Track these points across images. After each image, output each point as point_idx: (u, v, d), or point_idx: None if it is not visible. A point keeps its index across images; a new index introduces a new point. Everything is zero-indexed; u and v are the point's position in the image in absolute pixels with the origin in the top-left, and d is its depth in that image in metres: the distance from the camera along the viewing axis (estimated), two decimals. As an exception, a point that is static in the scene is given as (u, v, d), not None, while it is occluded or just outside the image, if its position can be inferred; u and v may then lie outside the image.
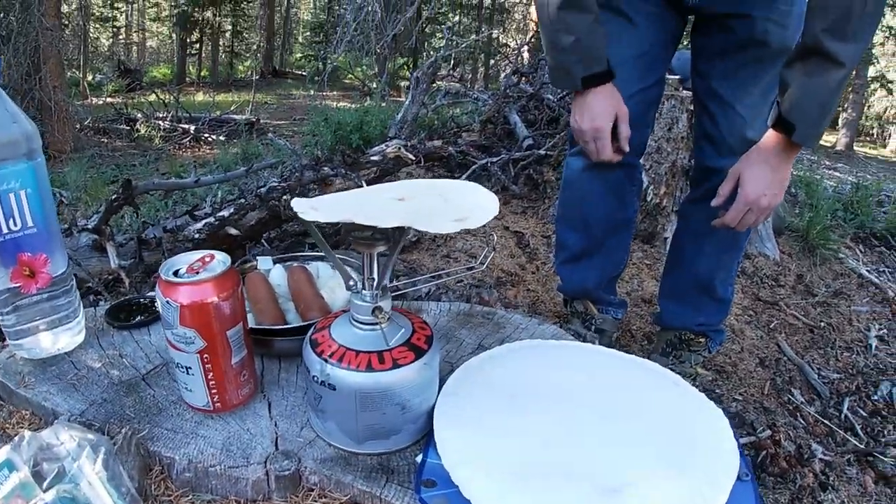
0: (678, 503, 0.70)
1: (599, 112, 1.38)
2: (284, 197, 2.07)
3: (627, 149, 1.44)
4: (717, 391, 1.88)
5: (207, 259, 0.84)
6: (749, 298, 2.52)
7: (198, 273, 0.81)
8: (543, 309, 2.13)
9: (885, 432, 1.86)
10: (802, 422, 1.83)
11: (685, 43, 1.67)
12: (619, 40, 1.44)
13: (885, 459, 1.69)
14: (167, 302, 0.80)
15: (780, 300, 2.54)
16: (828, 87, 1.19)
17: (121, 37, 23.85)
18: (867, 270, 3.04)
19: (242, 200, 2.12)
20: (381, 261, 0.79)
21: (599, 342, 1.75)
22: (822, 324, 2.44)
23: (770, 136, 1.29)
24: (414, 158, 2.38)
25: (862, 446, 1.76)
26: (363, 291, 0.79)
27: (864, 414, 1.94)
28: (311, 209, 0.69)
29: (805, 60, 1.19)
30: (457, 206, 0.74)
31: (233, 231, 2.04)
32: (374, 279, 0.78)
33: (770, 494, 1.53)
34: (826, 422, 1.85)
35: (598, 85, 1.37)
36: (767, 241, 2.90)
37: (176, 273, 0.82)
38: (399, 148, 2.29)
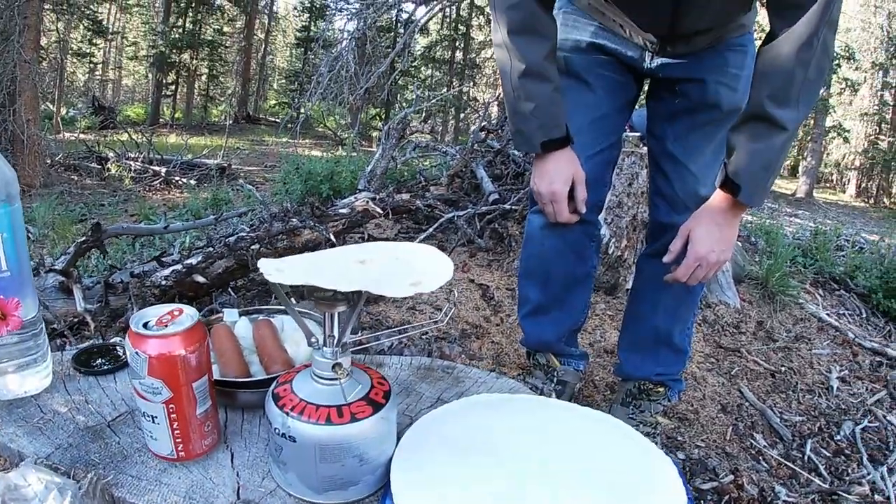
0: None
1: (556, 176, 1.45)
2: (253, 247, 2.10)
3: (584, 210, 1.50)
4: (678, 438, 1.90)
5: (176, 313, 0.87)
6: (710, 346, 2.56)
7: (166, 326, 0.84)
8: (507, 361, 2.15)
9: (849, 471, 1.88)
10: (765, 465, 1.85)
11: (643, 100, 1.75)
12: (578, 106, 1.51)
13: (850, 497, 1.71)
14: (136, 353, 0.82)
15: (741, 347, 2.58)
16: (772, 150, 1.26)
17: (97, 73, 23.80)
18: (827, 314, 3.10)
19: (210, 249, 2.14)
20: (341, 319, 0.82)
21: (562, 393, 1.79)
22: (784, 368, 2.47)
23: (718, 196, 1.36)
24: (382, 212, 2.42)
25: (826, 486, 1.77)
26: (324, 348, 0.82)
27: (828, 454, 1.96)
28: (276, 270, 0.73)
29: (750, 125, 1.27)
30: (413, 269, 0.79)
31: (200, 279, 2.05)
32: (334, 337, 0.82)
33: (733, 538, 1.55)
34: (789, 464, 1.86)
35: (557, 149, 1.44)
36: (728, 289, 2.97)
37: (145, 325, 0.85)
38: (367, 201, 2.34)
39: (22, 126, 7.38)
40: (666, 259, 1.44)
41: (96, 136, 11.28)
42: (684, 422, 2.00)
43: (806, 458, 1.93)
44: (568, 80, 1.52)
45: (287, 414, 0.81)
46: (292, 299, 1.30)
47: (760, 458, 1.90)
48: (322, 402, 0.81)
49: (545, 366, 1.85)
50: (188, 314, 0.88)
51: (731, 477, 1.72)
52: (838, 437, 2.07)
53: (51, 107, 13.74)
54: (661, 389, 1.83)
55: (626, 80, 1.59)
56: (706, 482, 1.71)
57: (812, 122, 16.39)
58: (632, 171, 2.66)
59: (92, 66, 22.60)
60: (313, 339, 0.83)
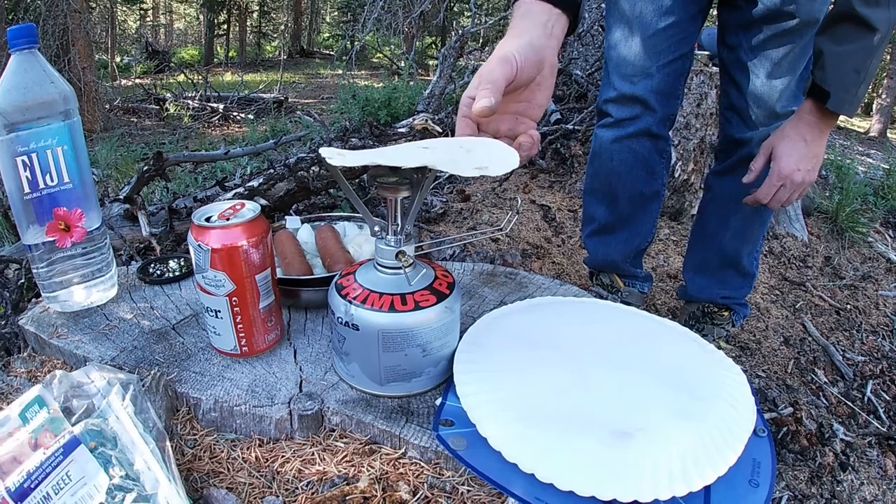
0: (690, 449, 0.70)
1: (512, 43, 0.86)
2: (312, 168, 2.09)
3: (488, 104, 0.81)
4: (739, 366, 1.87)
5: (238, 207, 0.87)
6: (776, 278, 2.50)
7: (228, 219, 0.84)
8: (568, 281, 2.12)
9: (908, 417, 1.84)
10: (825, 401, 1.82)
11: (712, 21, 1.65)
12: (650, 10, 1.44)
13: (907, 444, 1.68)
14: (199, 245, 0.82)
15: (806, 281, 2.52)
16: (862, 52, 1.18)
17: (148, 19, 23.94)
18: (896, 255, 3.00)
19: (272, 170, 2.15)
20: (404, 206, 0.80)
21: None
22: (849, 306, 2.41)
23: (804, 107, 1.27)
24: (441, 131, 2.38)
25: (884, 430, 1.74)
26: (388, 237, 0.81)
27: (888, 398, 1.92)
28: (338, 155, 0.71)
29: (838, 26, 1.19)
30: (478, 156, 0.76)
31: (262, 201, 2.07)
32: (398, 225, 0.80)
33: (790, 471, 1.52)
34: (849, 403, 1.83)
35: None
36: (796, 221, 2.87)
37: (208, 219, 0.85)
38: (426, 121, 2.31)
39: (78, 74, 7.52)
40: (746, 179, 1.36)
41: (152, 80, 11.41)
42: (746, 351, 1.98)
43: (866, 399, 1.90)
44: None
45: (350, 302, 0.80)
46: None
47: (820, 393, 1.86)
48: (385, 290, 0.80)
49: (609, 286, 1.81)
50: (250, 207, 0.87)
51: (791, 410, 1.69)
52: (900, 382, 2.01)
53: (105, 56, 13.93)
54: (725, 313, 1.79)
55: None
56: (765, 412, 1.68)
57: (888, 56, 15.47)
58: (700, 91, 2.54)
59: (142, 12, 22.66)
60: (377, 228, 0.81)
